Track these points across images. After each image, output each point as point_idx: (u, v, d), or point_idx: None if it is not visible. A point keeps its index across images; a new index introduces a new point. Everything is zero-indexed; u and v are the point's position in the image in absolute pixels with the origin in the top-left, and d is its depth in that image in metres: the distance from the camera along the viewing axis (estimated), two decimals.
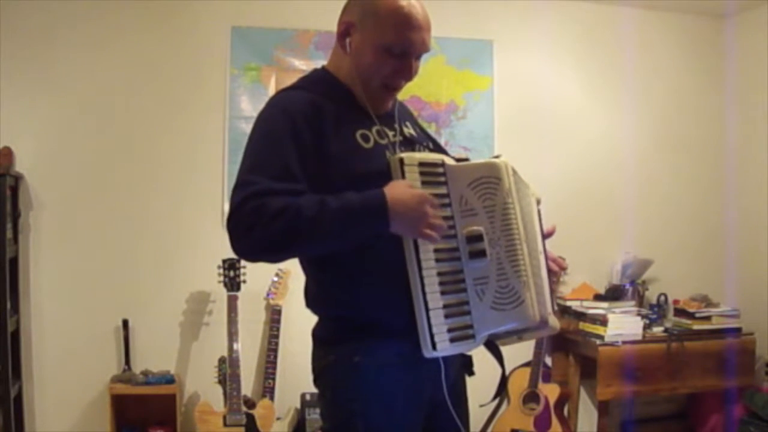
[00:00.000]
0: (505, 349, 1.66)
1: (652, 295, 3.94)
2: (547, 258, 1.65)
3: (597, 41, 4.06)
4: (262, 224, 1.39)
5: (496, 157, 1.57)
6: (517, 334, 1.58)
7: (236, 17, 3.58)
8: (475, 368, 1.69)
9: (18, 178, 3.32)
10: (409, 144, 1.65)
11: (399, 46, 1.55)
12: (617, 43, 4.06)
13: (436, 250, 1.48)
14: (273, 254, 1.50)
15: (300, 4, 3.63)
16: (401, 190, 1.44)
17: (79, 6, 3.43)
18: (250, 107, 3.56)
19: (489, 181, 1.51)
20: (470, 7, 3.83)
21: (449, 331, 1.46)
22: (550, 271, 1.65)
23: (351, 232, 1.44)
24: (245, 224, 1.40)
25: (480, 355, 1.64)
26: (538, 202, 1.69)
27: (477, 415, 1.77)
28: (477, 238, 1.49)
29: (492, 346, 1.62)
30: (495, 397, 1.92)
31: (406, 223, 1.43)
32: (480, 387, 1.83)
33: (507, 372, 1.74)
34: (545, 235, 1.68)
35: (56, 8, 3.40)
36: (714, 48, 4.23)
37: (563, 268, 1.70)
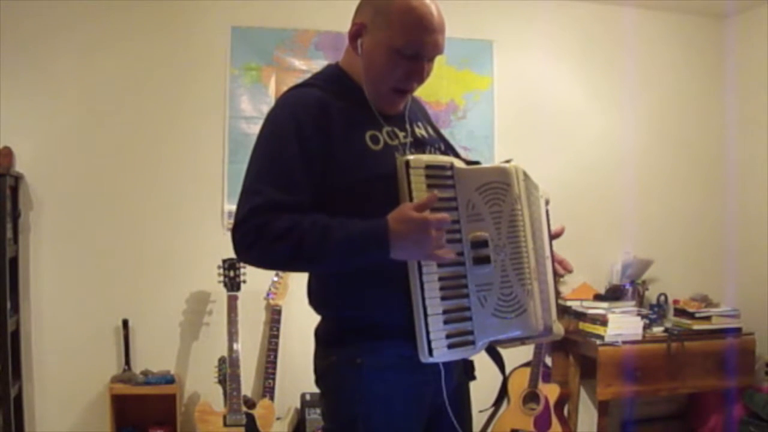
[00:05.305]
0: (504, 350, 1.65)
1: (652, 295, 3.94)
2: (553, 262, 1.64)
3: (597, 41, 4.06)
4: (264, 244, 1.42)
5: (507, 161, 1.54)
6: (520, 340, 1.56)
7: (236, 17, 3.58)
8: (476, 373, 1.68)
9: (18, 178, 3.32)
10: (420, 145, 1.62)
11: (411, 48, 1.53)
12: (617, 43, 4.06)
13: None
14: (272, 269, 1.58)
15: (300, 4, 3.63)
16: (405, 217, 1.40)
17: (79, 6, 3.43)
18: (250, 107, 3.56)
19: (498, 186, 1.49)
20: (470, 7, 3.82)
21: (448, 337, 1.44)
22: (555, 274, 1.63)
23: (350, 260, 1.45)
24: (249, 240, 1.44)
25: (481, 360, 1.63)
26: (547, 203, 1.67)
27: (477, 415, 1.78)
28: (482, 243, 1.47)
29: (493, 352, 1.61)
30: (495, 403, 1.92)
31: (408, 252, 1.42)
32: (481, 391, 1.83)
33: (507, 373, 1.74)
34: (552, 236, 1.66)
35: (56, 8, 3.40)
36: (714, 48, 4.23)
37: (569, 271, 1.67)
